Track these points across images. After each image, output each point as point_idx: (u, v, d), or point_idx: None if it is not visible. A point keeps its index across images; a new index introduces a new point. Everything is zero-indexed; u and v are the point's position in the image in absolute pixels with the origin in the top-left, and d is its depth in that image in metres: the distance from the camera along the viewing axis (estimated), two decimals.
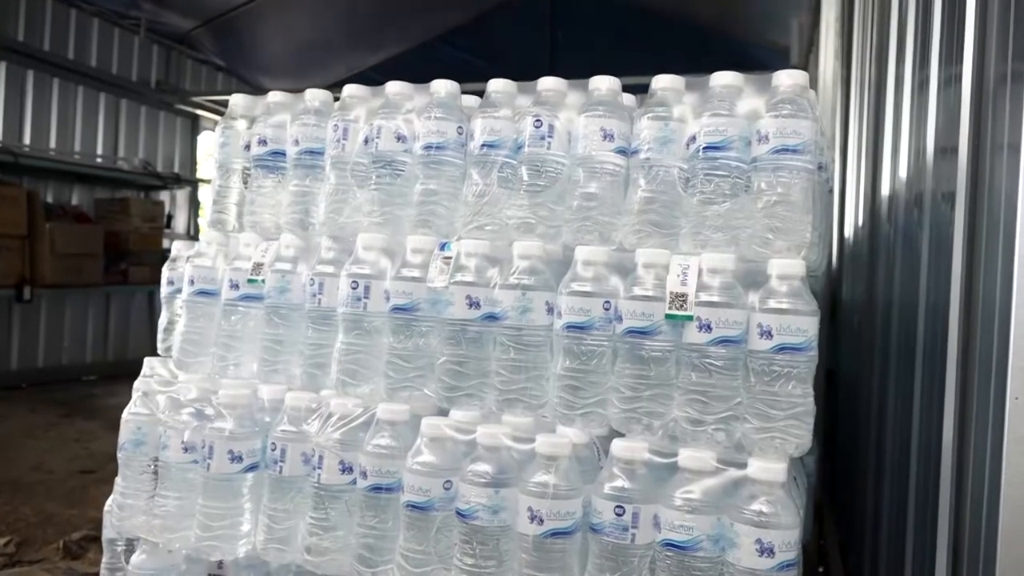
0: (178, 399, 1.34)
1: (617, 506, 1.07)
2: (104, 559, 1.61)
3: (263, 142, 1.46)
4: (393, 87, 1.40)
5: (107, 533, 1.61)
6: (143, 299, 6.86)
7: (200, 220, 7.18)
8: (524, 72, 6.59)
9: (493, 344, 1.22)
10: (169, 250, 1.68)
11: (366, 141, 1.36)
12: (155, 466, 1.35)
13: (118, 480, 1.42)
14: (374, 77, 6.87)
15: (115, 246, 5.92)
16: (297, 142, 1.42)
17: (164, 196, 6.81)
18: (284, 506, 1.25)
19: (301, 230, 1.42)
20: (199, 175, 7.45)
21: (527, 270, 1.21)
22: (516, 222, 1.25)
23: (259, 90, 8.18)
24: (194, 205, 6.97)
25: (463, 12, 8.42)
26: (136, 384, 1.72)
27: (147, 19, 6.92)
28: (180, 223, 6.88)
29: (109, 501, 1.70)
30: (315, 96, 1.46)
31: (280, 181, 1.45)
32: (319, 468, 1.21)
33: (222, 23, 7.51)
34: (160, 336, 1.79)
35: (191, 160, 7.60)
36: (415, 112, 1.34)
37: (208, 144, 8.23)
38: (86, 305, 6.35)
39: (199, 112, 7.58)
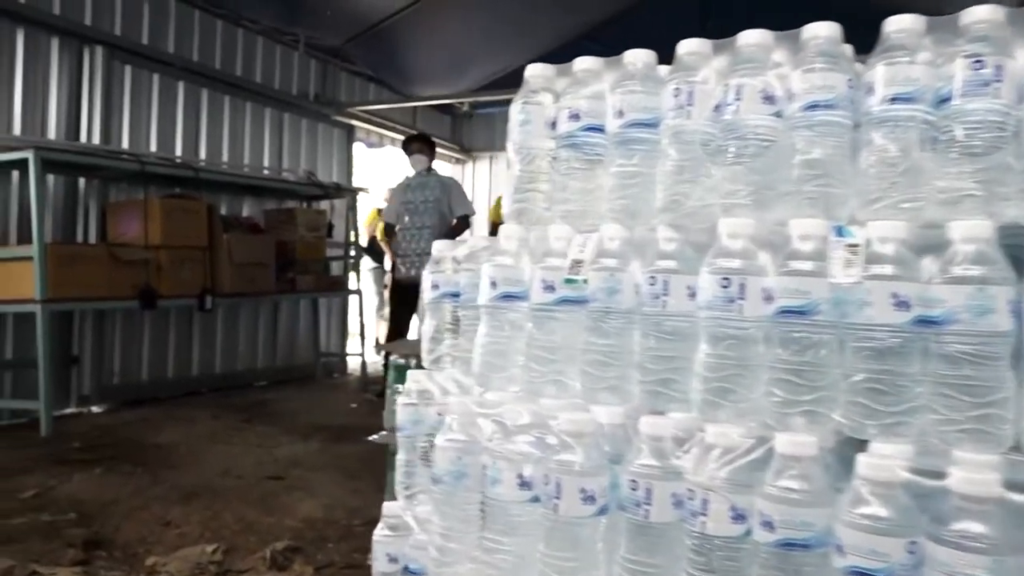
0: (505, 424, 1.12)
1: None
2: None
3: (575, 116, 1.23)
4: (751, 36, 1.14)
5: (383, 567, 1.43)
6: (308, 306, 6.97)
7: (359, 227, 7.22)
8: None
9: (927, 357, 0.94)
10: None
11: (718, 107, 1.11)
12: (481, 505, 1.13)
13: (433, 518, 1.21)
14: (518, 79, 6.64)
15: (283, 255, 6.01)
16: (621, 113, 1.19)
17: (324, 205, 6.89)
18: (652, 559, 1.00)
19: (628, 219, 1.18)
20: (355, 184, 7.52)
21: (977, 257, 0.92)
22: (949, 196, 0.96)
23: (408, 98, 8.24)
24: (352, 213, 7.01)
25: (607, 7, 8.15)
26: (406, 398, 1.55)
27: (305, 35, 7.04)
28: (339, 232, 6.93)
29: (379, 531, 1.52)
30: (637, 58, 1.23)
31: (598, 161, 1.22)
32: (702, 514, 0.96)
33: (372, 35, 7.57)
34: (426, 347, 1.60)
35: (347, 169, 7.69)
36: (786, 66, 1.08)
37: (361, 153, 8.33)
38: (257, 313, 6.50)
39: (353, 122, 7.66)
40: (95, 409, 5.26)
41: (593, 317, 1.16)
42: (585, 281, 1.17)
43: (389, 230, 5.86)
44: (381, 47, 7.76)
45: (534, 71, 1.33)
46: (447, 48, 8.23)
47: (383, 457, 2.49)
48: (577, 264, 1.18)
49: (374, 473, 3.37)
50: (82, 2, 5.21)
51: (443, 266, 1.56)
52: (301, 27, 6.96)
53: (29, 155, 4.27)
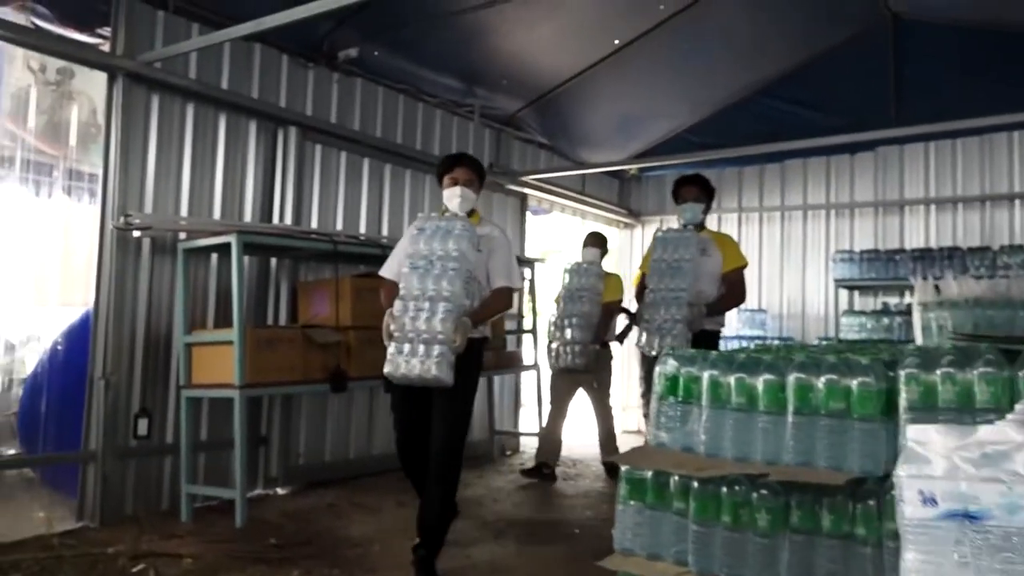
0: None
1: None
2: None
3: None
4: None
5: None
6: (483, 384, 6.72)
7: (535, 298, 6.95)
8: (863, 120, 5.43)
9: None
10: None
11: None
12: None
13: None
14: (689, 139, 6.17)
15: None
16: None
17: None
18: None
19: None
20: (528, 253, 7.29)
21: None
22: None
23: (580, 165, 7.99)
24: (530, 284, 6.77)
25: (788, 60, 7.63)
26: None
27: (480, 105, 6.97)
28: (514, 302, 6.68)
29: None
30: None
31: None
32: None
33: (544, 102, 7.42)
34: None
35: (521, 238, 7.49)
36: None
37: (535, 222, 8.13)
38: None
39: (526, 190, 7.48)
40: (281, 491, 5.15)
41: None
42: None
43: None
44: (552, 113, 7.60)
45: None
46: (617, 112, 7.98)
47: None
48: None
49: None
50: (277, 86, 5.30)
51: (933, 465, 1.12)
52: (477, 97, 6.90)
53: (232, 239, 4.26)
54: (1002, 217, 7.23)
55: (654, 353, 4.06)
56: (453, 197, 3.62)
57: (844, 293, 7.61)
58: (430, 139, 6.52)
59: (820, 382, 2.56)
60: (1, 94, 4.06)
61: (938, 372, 2.38)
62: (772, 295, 8.33)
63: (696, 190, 4.64)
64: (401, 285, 3.41)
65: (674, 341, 4.07)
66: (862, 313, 7.32)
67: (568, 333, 5.72)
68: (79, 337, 4.31)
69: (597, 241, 6.18)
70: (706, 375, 2.76)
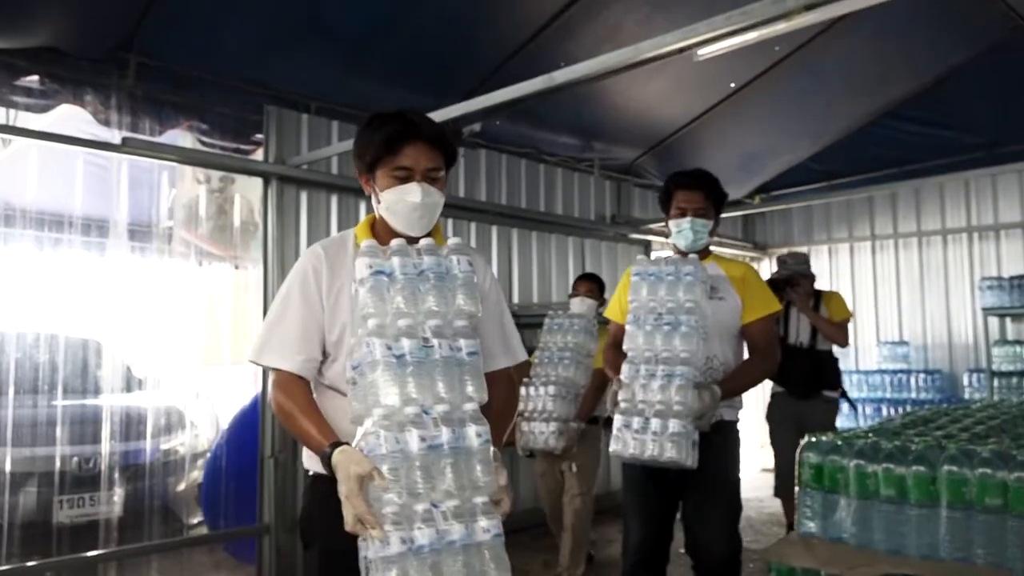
0: None
1: None
2: None
3: None
4: None
5: None
6: None
7: None
8: (1004, 133, 5.15)
9: None
10: None
11: None
12: None
13: None
14: (813, 167, 6.06)
15: None
16: None
17: None
18: None
19: None
20: None
21: None
22: None
23: None
24: None
25: (912, 83, 7.36)
26: None
27: (599, 158, 7.12)
28: None
29: None
30: None
31: None
32: None
33: (663, 148, 7.49)
34: None
35: None
36: None
37: None
38: None
39: (650, 238, 7.55)
40: None
41: None
42: None
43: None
44: (671, 158, 7.64)
45: None
46: (737, 151, 7.93)
47: None
48: None
49: None
50: None
51: None
52: (595, 151, 7.06)
53: None
54: None
55: (646, 457, 2.70)
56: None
57: (994, 321, 7.22)
58: (552, 198, 6.73)
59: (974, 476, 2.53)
60: (176, 206, 4.56)
61: None
62: (914, 325, 7.99)
63: (701, 197, 3.03)
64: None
65: (675, 450, 2.66)
66: (1017, 343, 6.93)
67: (543, 404, 4.44)
68: (251, 420, 4.74)
69: (589, 286, 4.82)
70: (852, 465, 2.77)
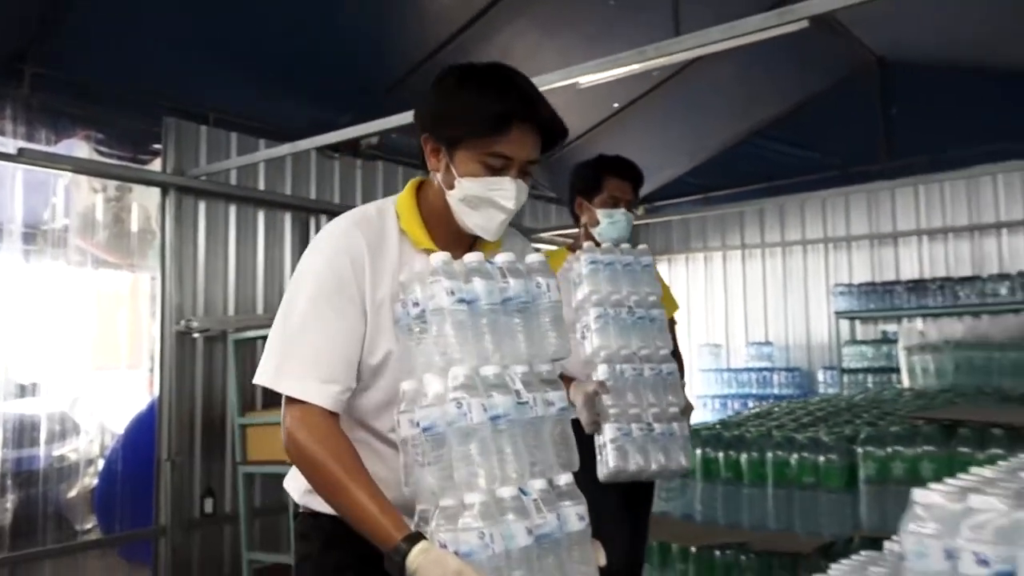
0: None
1: None
2: None
3: None
4: None
5: None
6: None
7: None
8: (855, 156, 5.97)
9: None
10: None
11: None
12: None
13: None
14: (690, 181, 6.66)
15: None
16: None
17: None
18: None
19: None
20: None
21: None
22: None
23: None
24: None
25: (780, 106, 8.10)
26: None
27: None
28: None
29: None
30: None
31: None
32: None
33: (553, 160, 7.92)
34: None
35: None
36: None
37: None
38: None
39: (540, 246, 7.96)
40: None
41: None
42: None
43: None
44: (560, 169, 8.08)
45: None
46: None
47: None
48: None
49: None
50: (307, 179, 5.84)
51: None
52: None
53: None
54: (991, 245, 7.63)
55: (653, 469, 2.38)
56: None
57: (845, 323, 8.02)
58: None
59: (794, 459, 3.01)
60: (72, 215, 4.61)
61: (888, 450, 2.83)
62: (777, 327, 8.74)
63: (631, 188, 2.82)
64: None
65: (683, 456, 2.46)
66: (863, 343, 7.75)
67: None
68: (147, 424, 4.83)
69: None
70: (698, 452, 3.22)
